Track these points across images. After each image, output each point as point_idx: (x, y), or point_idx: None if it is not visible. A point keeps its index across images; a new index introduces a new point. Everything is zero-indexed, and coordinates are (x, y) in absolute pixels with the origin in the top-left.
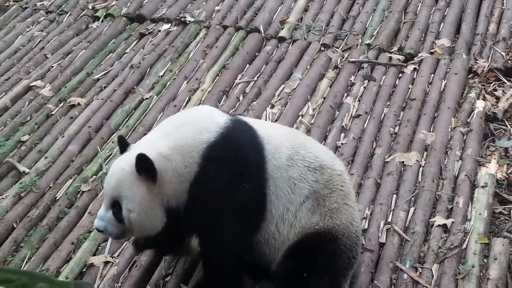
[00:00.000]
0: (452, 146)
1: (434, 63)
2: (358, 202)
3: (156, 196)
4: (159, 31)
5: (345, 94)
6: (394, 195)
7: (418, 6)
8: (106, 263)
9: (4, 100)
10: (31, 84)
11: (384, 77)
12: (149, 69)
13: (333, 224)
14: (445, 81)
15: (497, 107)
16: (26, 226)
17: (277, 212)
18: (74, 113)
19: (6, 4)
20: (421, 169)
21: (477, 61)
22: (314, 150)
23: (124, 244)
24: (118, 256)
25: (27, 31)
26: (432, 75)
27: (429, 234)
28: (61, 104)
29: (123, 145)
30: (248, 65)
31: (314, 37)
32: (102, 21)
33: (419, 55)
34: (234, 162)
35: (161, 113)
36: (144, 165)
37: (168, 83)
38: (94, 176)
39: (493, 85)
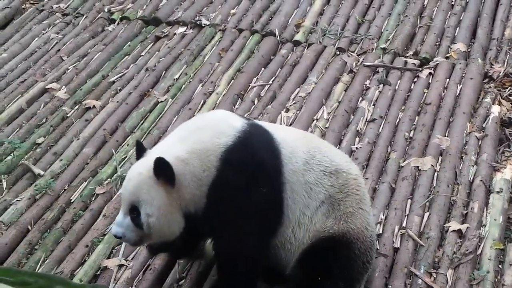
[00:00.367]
0: (467, 151)
1: (450, 67)
2: (373, 206)
3: (174, 200)
4: (175, 34)
5: (360, 98)
6: (409, 200)
7: (433, 11)
8: (120, 266)
9: (20, 102)
10: (47, 87)
11: (399, 81)
12: (164, 72)
13: (348, 229)
14: (461, 85)
15: None
16: (41, 229)
17: (294, 217)
18: (89, 115)
19: (23, 7)
20: (436, 174)
21: (492, 66)
22: (330, 154)
23: (138, 247)
24: (132, 259)
25: (43, 34)
26: (448, 79)
27: (443, 240)
28: (77, 106)
29: (140, 150)
30: (263, 68)
31: (329, 41)
32: (118, 23)
33: (435, 59)
34: (252, 165)
35: (176, 116)
36: (162, 168)
37: (183, 86)
38: (109, 179)
39: (509, 90)
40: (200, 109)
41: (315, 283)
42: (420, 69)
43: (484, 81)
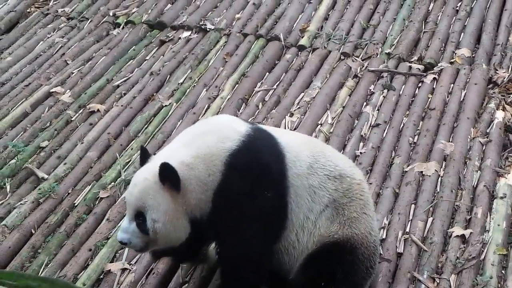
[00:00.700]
0: (471, 156)
1: (454, 73)
2: (376, 211)
3: (180, 205)
4: (180, 38)
5: (365, 103)
6: (413, 205)
7: (438, 16)
8: (124, 270)
9: (24, 105)
10: (51, 90)
11: (403, 86)
12: (169, 76)
13: (351, 234)
14: (465, 91)
15: None
16: (44, 232)
17: (298, 221)
18: (93, 119)
19: (28, 10)
20: (439, 179)
21: (497, 72)
22: (334, 159)
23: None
24: (135, 263)
25: (48, 37)
26: (452, 85)
27: (447, 245)
28: (81, 110)
29: (144, 156)
30: (267, 73)
31: (334, 46)
32: (123, 28)
33: (439, 64)
34: (256, 170)
35: (181, 121)
36: (168, 174)
37: (188, 90)
38: (112, 183)
39: None
40: (204, 114)
41: None
42: (425, 74)
43: (489, 86)
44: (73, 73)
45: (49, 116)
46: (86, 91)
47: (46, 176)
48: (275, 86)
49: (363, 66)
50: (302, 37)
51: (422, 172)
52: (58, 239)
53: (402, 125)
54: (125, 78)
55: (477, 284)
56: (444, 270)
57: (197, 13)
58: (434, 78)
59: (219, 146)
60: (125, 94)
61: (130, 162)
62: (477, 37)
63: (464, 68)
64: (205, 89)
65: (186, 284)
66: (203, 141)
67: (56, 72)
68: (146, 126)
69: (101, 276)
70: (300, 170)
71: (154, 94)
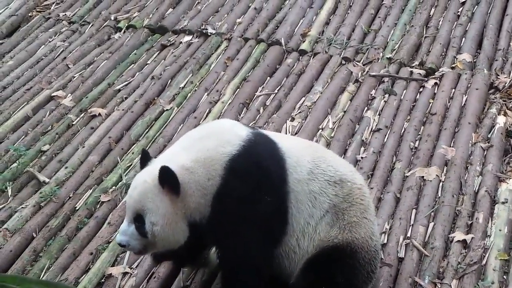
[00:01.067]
0: (472, 161)
1: (455, 78)
2: (378, 216)
3: (179, 209)
4: (181, 42)
5: (366, 108)
6: (414, 210)
7: (439, 21)
8: (125, 274)
9: (26, 109)
10: (53, 94)
11: (405, 91)
12: (170, 80)
13: (352, 238)
14: (466, 96)
15: None
16: (46, 236)
17: (298, 226)
18: (94, 123)
19: (30, 14)
20: (441, 184)
21: (498, 77)
22: (334, 164)
23: (143, 255)
24: (136, 267)
25: (50, 41)
26: (453, 90)
27: (448, 250)
28: (82, 114)
29: (145, 159)
30: (268, 77)
31: (335, 51)
32: (124, 32)
33: (440, 69)
34: (256, 174)
35: (182, 125)
36: (167, 177)
37: (189, 94)
38: (113, 187)
39: None
40: (205, 118)
41: None
42: (426, 79)
43: (490, 91)
44: (74, 77)
45: (51, 120)
46: (88, 95)
47: (47, 180)
48: (276, 91)
49: (364, 71)
50: (303, 41)
51: (423, 177)
52: (59, 242)
53: (403, 130)
54: (126, 82)
55: None
56: (445, 275)
57: (198, 18)
58: (435, 83)
59: (219, 151)
60: (126, 98)
61: (131, 166)
62: (478, 42)
63: (466, 73)
64: (206, 94)
65: None
66: (203, 145)
67: (57, 76)
68: (147, 130)
69: (102, 280)
70: (300, 175)
71: (155, 98)
